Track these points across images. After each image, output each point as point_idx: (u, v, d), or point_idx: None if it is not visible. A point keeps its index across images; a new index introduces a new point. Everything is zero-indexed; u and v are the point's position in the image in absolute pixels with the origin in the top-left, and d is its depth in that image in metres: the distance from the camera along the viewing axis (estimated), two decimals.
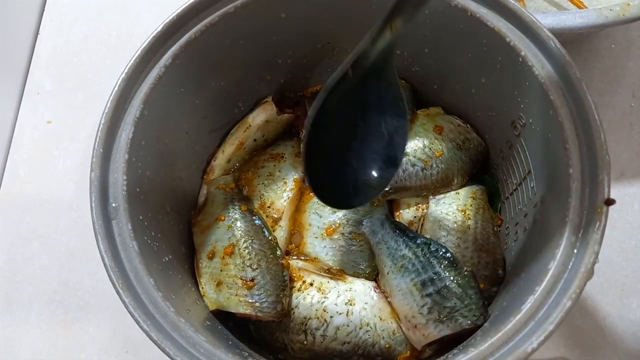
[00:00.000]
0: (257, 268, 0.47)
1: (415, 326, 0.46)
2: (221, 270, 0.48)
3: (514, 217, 0.50)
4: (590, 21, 0.51)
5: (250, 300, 0.46)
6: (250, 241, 0.49)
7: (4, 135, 0.67)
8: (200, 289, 0.48)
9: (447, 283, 0.45)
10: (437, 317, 0.45)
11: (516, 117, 0.46)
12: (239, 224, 0.50)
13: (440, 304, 0.45)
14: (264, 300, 0.46)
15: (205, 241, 0.50)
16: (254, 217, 0.51)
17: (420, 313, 0.45)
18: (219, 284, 0.47)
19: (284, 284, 0.47)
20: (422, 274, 0.46)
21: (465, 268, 0.47)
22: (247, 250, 0.48)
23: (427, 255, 0.47)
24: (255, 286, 0.46)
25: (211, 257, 0.49)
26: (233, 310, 0.46)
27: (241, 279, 0.47)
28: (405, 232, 0.49)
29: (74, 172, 0.65)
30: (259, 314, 0.46)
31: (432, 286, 0.45)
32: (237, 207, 0.51)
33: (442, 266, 0.46)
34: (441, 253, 0.47)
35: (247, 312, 0.46)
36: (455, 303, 0.45)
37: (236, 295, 0.46)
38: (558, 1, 0.62)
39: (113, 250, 0.39)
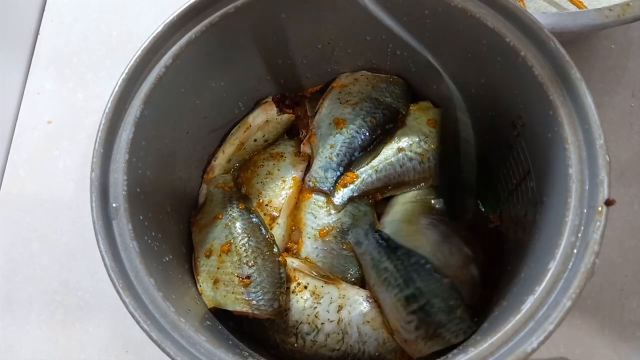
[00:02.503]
0: (253, 265, 0.47)
1: (406, 341, 0.45)
2: (218, 268, 0.48)
3: (513, 217, 0.50)
4: (590, 21, 0.51)
5: (246, 298, 0.46)
6: (247, 239, 0.49)
7: (4, 135, 0.67)
8: (198, 287, 0.48)
9: (430, 298, 0.45)
10: (425, 334, 0.44)
11: (516, 117, 0.46)
12: (236, 222, 0.50)
13: (425, 321, 0.44)
14: (260, 298, 0.46)
15: (203, 240, 0.50)
16: (251, 215, 0.51)
17: (408, 329, 0.45)
18: (215, 281, 0.47)
19: (281, 281, 0.47)
20: (404, 290, 0.45)
21: (445, 280, 0.46)
22: (243, 248, 0.48)
23: (407, 268, 0.46)
24: (252, 284, 0.46)
25: (208, 255, 0.49)
26: (230, 308, 0.46)
27: (237, 276, 0.46)
28: (387, 242, 0.49)
29: (74, 172, 0.65)
30: (255, 312, 0.45)
31: (415, 303, 0.45)
32: (235, 205, 0.51)
33: (422, 279, 0.45)
34: (420, 264, 0.46)
35: (244, 310, 0.46)
36: (440, 319, 0.44)
37: (232, 293, 0.46)
38: (558, 1, 0.62)
39: (113, 250, 0.39)
